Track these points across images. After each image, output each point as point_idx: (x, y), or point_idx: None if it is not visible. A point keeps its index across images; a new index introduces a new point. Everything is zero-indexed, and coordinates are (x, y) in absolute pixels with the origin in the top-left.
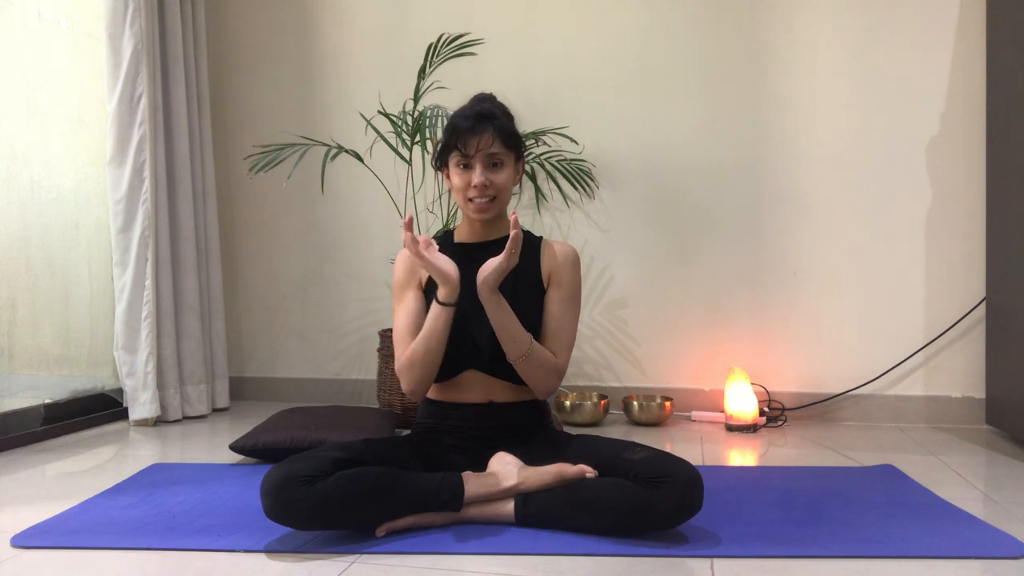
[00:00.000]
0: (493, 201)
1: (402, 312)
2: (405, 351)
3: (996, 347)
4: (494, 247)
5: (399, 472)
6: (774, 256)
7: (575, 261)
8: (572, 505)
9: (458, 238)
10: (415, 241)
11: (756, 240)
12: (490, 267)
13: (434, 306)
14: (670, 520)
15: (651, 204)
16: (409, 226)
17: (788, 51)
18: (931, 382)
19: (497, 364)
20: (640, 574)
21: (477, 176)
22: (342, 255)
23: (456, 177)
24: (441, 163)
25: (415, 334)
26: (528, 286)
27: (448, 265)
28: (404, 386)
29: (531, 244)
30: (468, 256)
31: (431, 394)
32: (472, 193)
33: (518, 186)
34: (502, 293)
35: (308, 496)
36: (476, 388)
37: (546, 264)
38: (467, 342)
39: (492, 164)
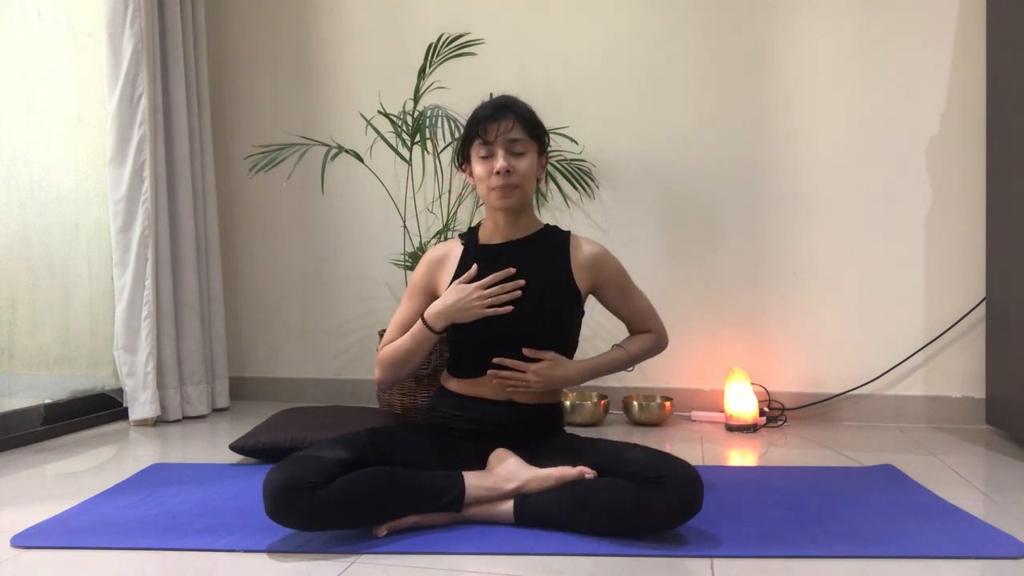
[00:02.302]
0: (516, 188)
1: (406, 310)
2: (392, 344)
3: (996, 347)
4: (519, 247)
5: (401, 472)
6: (774, 256)
7: (606, 254)
8: (571, 505)
9: (482, 238)
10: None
11: (756, 240)
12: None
13: (426, 330)
14: (669, 521)
15: (651, 204)
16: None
17: (788, 51)
18: (931, 382)
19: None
20: (640, 574)
21: (499, 161)
22: (342, 255)
23: (479, 167)
24: (463, 159)
25: (405, 332)
26: (558, 285)
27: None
28: (379, 374)
29: (559, 239)
30: (493, 257)
31: (449, 384)
32: (494, 181)
33: (543, 183)
34: (529, 290)
35: (311, 500)
36: (498, 386)
37: (579, 271)
38: (495, 345)
39: (514, 151)
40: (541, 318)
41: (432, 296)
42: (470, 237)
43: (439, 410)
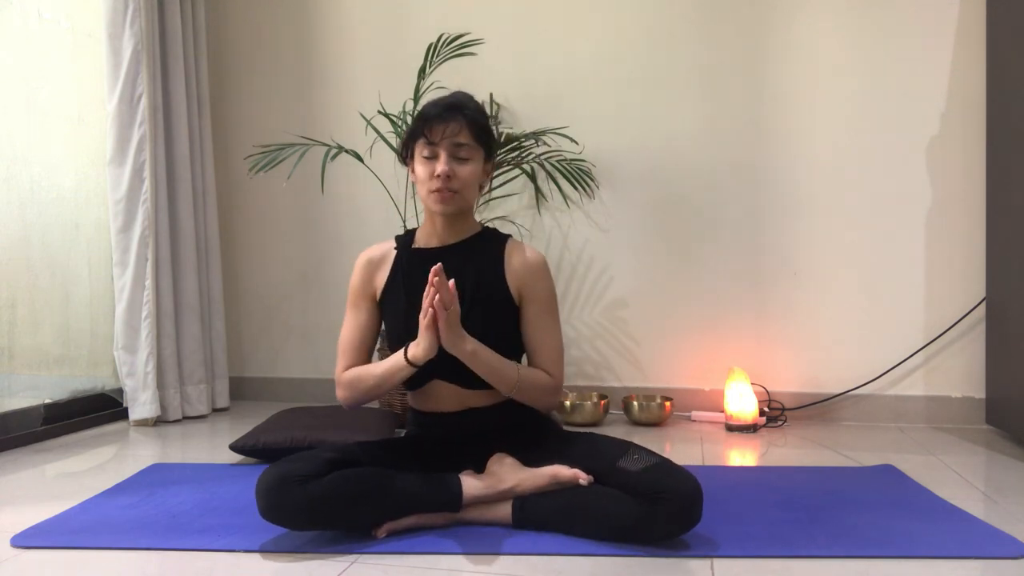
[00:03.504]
0: (456, 194)
1: (353, 322)
2: (351, 365)
3: (996, 347)
4: (454, 252)
5: (396, 472)
6: (774, 256)
7: (543, 268)
8: (569, 514)
9: (419, 242)
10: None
11: (756, 240)
12: (443, 336)
13: (401, 360)
14: (668, 535)
15: (651, 204)
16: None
17: (788, 51)
18: (931, 382)
19: (465, 378)
20: (640, 574)
21: (441, 165)
22: (342, 255)
23: (420, 167)
24: (407, 153)
25: (360, 347)
26: (491, 292)
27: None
28: (340, 395)
29: (495, 244)
30: (428, 262)
31: (413, 403)
32: (434, 184)
33: (485, 188)
34: (461, 298)
35: (303, 496)
36: (450, 398)
37: (512, 276)
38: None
39: (458, 156)
40: (476, 325)
41: (374, 298)
42: (404, 241)
43: (414, 428)
